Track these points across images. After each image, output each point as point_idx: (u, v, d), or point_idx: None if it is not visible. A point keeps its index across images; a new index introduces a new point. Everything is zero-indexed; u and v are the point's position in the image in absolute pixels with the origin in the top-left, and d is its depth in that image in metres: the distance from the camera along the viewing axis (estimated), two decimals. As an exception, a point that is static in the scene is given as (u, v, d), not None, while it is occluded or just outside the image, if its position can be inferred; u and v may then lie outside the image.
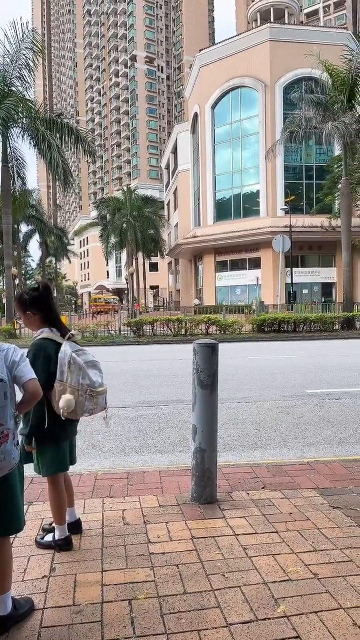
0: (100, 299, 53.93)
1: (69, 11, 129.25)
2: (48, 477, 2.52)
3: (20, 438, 1.95)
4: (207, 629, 1.90)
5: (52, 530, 2.61)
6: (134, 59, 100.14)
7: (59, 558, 2.47)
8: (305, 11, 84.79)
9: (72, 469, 2.67)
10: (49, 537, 2.60)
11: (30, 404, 1.94)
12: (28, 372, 1.90)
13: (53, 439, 2.44)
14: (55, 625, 1.94)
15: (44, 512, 2.98)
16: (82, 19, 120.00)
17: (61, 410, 2.33)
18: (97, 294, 75.66)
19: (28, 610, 2.01)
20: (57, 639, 1.86)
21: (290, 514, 2.98)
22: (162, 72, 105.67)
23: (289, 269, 29.05)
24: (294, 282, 29.68)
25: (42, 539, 2.62)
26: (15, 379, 1.87)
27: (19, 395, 1.93)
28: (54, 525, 2.58)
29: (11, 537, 2.03)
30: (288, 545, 2.58)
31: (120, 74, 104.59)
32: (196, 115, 39.26)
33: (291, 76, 32.81)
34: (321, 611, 2.02)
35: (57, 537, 2.54)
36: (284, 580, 2.25)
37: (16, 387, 1.92)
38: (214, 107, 36.72)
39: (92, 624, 1.94)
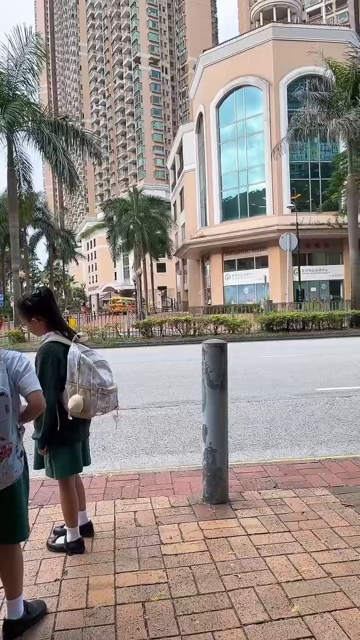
0: (118, 299, 58.33)
1: (72, 15, 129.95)
2: (60, 479, 2.52)
3: (23, 445, 1.92)
4: (221, 630, 1.89)
5: (63, 533, 2.61)
6: (137, 60, 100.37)
7: (71, 561, 2.47)
8: (308, 10, 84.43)
9: (83, 470, 2.67)
10: (60, 540, 2.60)
11: (32, 415, 1.91)
12: (31, 383, 1.85)
13: (66, 441, 2.45)
14: (68, 628, 1.94)
15: (54, 515, 2.99)
16: (86, 22, 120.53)
17: (70, 411, 2.33)
18: (105, 295, 75.98)
19: (40, 614, 2.00)
20: (70, 641, 1.86)
21: (302, 512, 2.96)
22: (166, 73, 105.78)
23: (296, 267, 28.90)
24: (301, 280, 29.51)
25: (54, 541, 2.62)
26: (19, 389, 1.83)
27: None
28: (65, 527, 2.59)
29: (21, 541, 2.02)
30: (301, 545, 2.56)
31: (125, 75, 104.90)
32: (201, 115, 39.23)
33: (295, 74, 32.65)
34: (335, 610, 2.00)
35: (68, 540, 2.54)
36: (297, 580, 2.23)
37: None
38: (218, 106, 36.66)
39: (105, 626, 1.94)
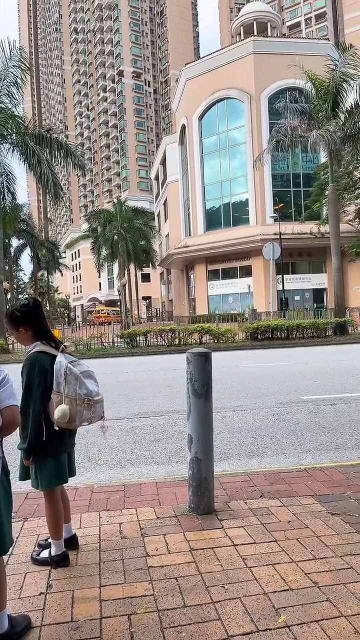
0: (102, 310, 58.25)
1: (56, 29, 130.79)
2: (45, 491, 2.48)
3: (4, 459, 1.90)
4: (207, 642, 1.87)
5: (47, 546, 2.57)
6: (120, 74, 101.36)
7: (56, 574, 2.43)
8: (288, 24, 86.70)
9: (68, 481, 2.64)
10: (44, 553, 2.55)
11: (6, 432, 1.86)
12: (6, 398, 1.80)
13: (52, 452, 2.42)
14: (53, 644, 1.90)
15: (39, 528, 2.94)
16: (69, 36, 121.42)
17: (56, 421, 2.31)
18: (90, 306, 75.59)
19: (25, 628, 1.97)
20: (55, 658, 1.82)
21: (289, 522, 2.96)
22: (149, 86, 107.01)
23: (280, 276, 29.23)
24: (285, 288, 29.85)
25: (38, 555, 2.57)
26: None
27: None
28: (49, 540, 2.55)
29: (4, 555, 1.98)
30: (287, 554, 2.56)
31: (108, 88, 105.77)
32: (183, 126, 39.71)
33: (275, 87, 33.35)
34: (322, 619, 2.00)
35: (53, 553, 2.50)
36: (284, 590, 2.23)
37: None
38: (200, 118, 37.18)
39: (91, 639, 1.91)
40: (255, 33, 43.71)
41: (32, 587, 2.32)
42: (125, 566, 2.48)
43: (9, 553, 2.56)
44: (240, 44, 35.58)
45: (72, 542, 2.65)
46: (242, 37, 42.87)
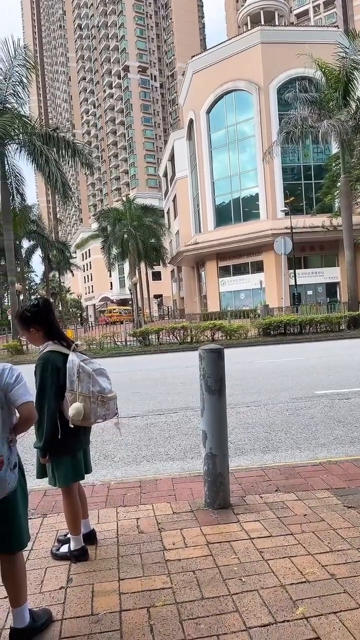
0: (114, 309, 58.23)
1: (60, 26, 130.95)
2: (63, 488, 2.53)
3: (18, 457, 1.94)
4: (226, 634, 1.90)
5: (67, 541, 2.62)
6: (126, 69, 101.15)
7: (75, 568, 2.48)
8: (295, 12, 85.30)
9: (84, 479, 2.68)
10: (64, 548, 2.61)
11: (24, 427, 1.89)
12: (22, 395, 1.82)
13: (67, 450, 2.46)
14: (74, 635, 1.94)
15: (58, 524, 2.99)
16: (73, 33, 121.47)
17: (71, 419, 2.35)
18: (101, 305, 75.95)
19: (46, 622, 2.01)
20: (77, 649, 1.86)
21: (305, 515, 2.97)
22: (155, 80, 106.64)
23: (292, 271, 29.02)
24: (297, 283, 29.61)
25: (58, 550, 2.63)
26: (10, 401, 1.82)
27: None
28: (68, 536, 2.60)
29: (25, 550, 2.03)
30: (304, 547, 2.58)
31: (114, 84, 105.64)
32: (191, 121, 39.48)
33: (284, 77, 32.93)
34: (340, 611, 2.02)
35: (72, 548, 2.55)
36: (301, 582, 2.25)
37: None
38: (208, 111, 36.91)
39: (111, 632, 1.95)
40: (263, 22, 43.25)
41: (53, 581, 2.37)
42: (143, 560, 2.52)
43: (29, 548, 2.62)
44: (247, 34, 35.19)
45: (90, 537, 2.70)
46: (249, 27, 42.41)
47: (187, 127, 41.78)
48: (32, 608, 2.02)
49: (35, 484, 3.03)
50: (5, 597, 2.05)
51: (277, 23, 44.52)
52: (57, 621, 2.05)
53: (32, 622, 1.95)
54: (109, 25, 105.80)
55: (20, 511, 1.92)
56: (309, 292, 33.68)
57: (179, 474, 3.90)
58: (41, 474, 2.56)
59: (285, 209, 29.45)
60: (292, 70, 31.91)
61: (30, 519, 2.61)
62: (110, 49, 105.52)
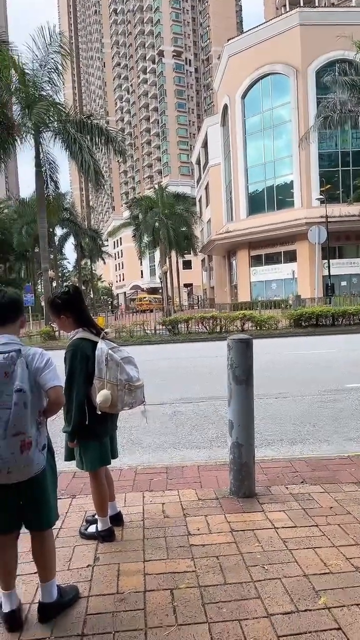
0: (145, 297, 58.93)
1: (95, 12, 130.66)
2: (90, 471, 2.61)
3: (48, 438, 2.01)
4: (247, 619, 1.93)
5: (94, 522, 2.71)
6: (161, 54, 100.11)
7: (102, 548, 2.56)
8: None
9: (112, 463, 2.75)
10: (92, 528, 2.70)
11: (52, 411, 1.95)
12: (51, 379, 1.87)
13: (94, 435, 2.53)
14: (99, 613, 2.02)
15: (86, 505, 3.09)
16: (109, 18, 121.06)
17: (98, 405, 2.41)
18: (132, 294, 76.64)
19: (73, 598, 2.09)
20: (101, 625, 1.94)
21: (331, 507, 2.96)
22: (189, 65, 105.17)
23: (326, 261, 28.33)
24: (331, 274, 28.89)
25: (86, 529, 2.72)
26: (40, 385, 1.87)
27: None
28: (96, 517, 2.68)
29: (54, 528, 2.11)
30: (328, 539, 2.57)
31: (148, 70, 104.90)
32: (226, 106, 38.79)
33: (323, 59, 31.82)
34: (363, 604, 2.01)
35: (100, 528, 2.64)
36: (325, 573, 2.25)
37: None
38: (244, 96, 36.11)
39: (135, 611, 2.01)
40: (302, 4, 41.87)
41: (81, 559, 2.46)
42: (168, 543, 2.57)
43: (58, 527, 2.72)
44: (285, 16, 34.11)
45: (117, 519, 2.78)
46: (287, 9, 41.15)
47: (221, 112, 41.10)
48: (60, 584, 2.11)
49: (65, 466, 3.12)
50: (34, 573, 2.15)
51: (317, 4, 42.98)
52: (84, 598, 2.13)
53: (60, 598, 2.04)
54: (144, 9, 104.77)
55: (49, 491, 1.99)
56: (343, 283, 32.79)
57: (205, 462, 3.94)
58: (69, 457, 2.65)
59: (321, 197, 28.65)
60: (331, 52, 30.80)
61: (60, 499, 2.71)
62: (145, 33, 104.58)
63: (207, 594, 2.11)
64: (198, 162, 54.42)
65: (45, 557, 2.03)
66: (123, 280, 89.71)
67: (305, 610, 1.97)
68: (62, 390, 1.95)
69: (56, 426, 2.62)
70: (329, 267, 28.04)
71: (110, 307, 68.94)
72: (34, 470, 1.85)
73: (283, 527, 2.71)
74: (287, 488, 3.28)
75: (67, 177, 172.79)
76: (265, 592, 2.11)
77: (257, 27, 35.80)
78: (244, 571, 2.28)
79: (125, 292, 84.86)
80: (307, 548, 2.48)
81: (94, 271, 64.67)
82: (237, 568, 2.31)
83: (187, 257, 53.08)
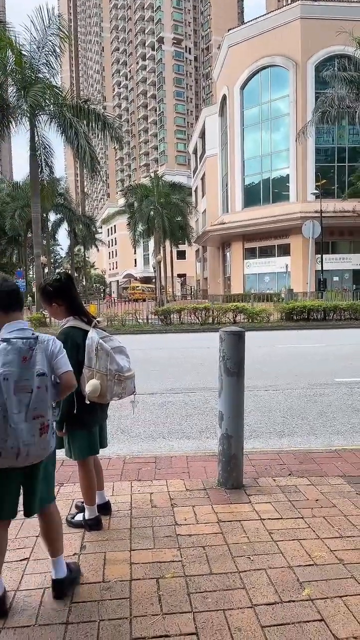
0: (137, 286, 58.32)
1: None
2: (78, 460, 2.60)
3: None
4: (232, 609, 1.95)
5: (82, 510, 2.71)
6: (160, 40, 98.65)
7: (89, 537, 2.57)
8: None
9: (101, 452, 2.75)
10: (79, 517, 2.70)
11: (63, 394, 2.04)
12: (64, 364, 1.99)
13: (83, 424, 2.52)
14: (85, 601, 2.03)
15: (74, 493, 3.09)
16: (109, 2, 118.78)
17: (87, 395, 2.39)
18: (125, 282, 76.27)
19: (79, 574, 2.17)
20: (86, 613, 1.94)
21: (317, 500, 2.99)
22: (189, 53, 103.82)
23: (319, 256, 28.41)
24: (324, 268, 28.98)
25: (73, 518, 2.72)
26: (53, 369, 1.95)
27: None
28: (84, 505, 2.68)
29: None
30: (313, 531, 2.60)
31: (147, 56, 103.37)
32: (224, 97, 38.47)
33: (323, 53, 31.65)
34: (346, 595, 2.04)
35: (87, 517, 2.64)
36: (309, 565, 2.27)
37: None
38: (242, 87, 35.82)
39: (121, 600, 2.02)
40: (303, -4, 41.32)
41: (67, 547, 2.46)
42: (154, 533, 2.58)
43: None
44: (287, 8, 33.77)
45: (104, 508, 2.78)
46: (289, 1, 40.69)
47: (219, 103, 40.76)
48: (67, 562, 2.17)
49: (54, 453, 3.12)
50: (20, 560, 2.14)
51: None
52: (70, 585, 2.13)
53: (70, 573, 2.10)
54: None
55: (51, 469, 2.10)
56: (335, 278, 32.95)
57: (194, 453, 3.95)
58: (58, 444, 2.63)
59: (316, 191, 28.64)
60: (331, 47, 30.61)
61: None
62: (145, 19, 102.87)
63: (192, 584, 2.12)
64: (195, 152, 54.00)
65: (58, 530, 2.11)
66: (116, 268, 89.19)
67: (289, 601, 2.00)
68: (73, 375, 2.04)
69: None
70: (321, 262, 28.13)
71: (102, 294, 68.64)
72: (49, 452, 1.94)
73: (269, 519, 2.74)
74: (274, 480, 3.30)
75: (62, 162, 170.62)
76: (250, 582, 2.13)
77: (258, 18, 35.42)
78: (229, 561, 2.30)
79: (118, 281, 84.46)
80: (292, 540, 2.50)
81: (87, 258, 64.23)
82: (223, 558, 2.33)
83: (182, 247, 52.99)
